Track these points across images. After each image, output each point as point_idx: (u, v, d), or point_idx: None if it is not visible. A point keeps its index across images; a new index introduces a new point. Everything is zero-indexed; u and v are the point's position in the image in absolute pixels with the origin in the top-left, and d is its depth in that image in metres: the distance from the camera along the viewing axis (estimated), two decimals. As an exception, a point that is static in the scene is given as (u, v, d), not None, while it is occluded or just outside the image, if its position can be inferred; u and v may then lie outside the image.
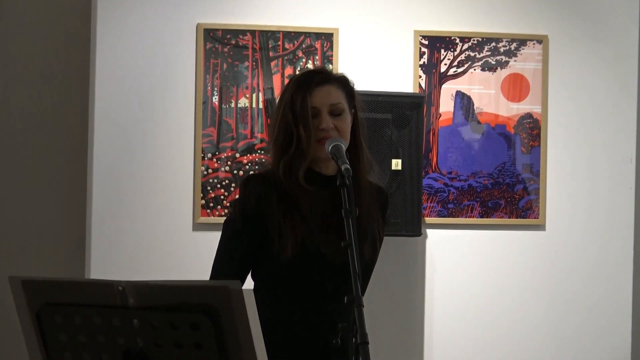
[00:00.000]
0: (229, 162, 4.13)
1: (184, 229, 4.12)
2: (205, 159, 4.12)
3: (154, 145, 4.12)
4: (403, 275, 4.27)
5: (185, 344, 1.63)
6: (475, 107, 4.30)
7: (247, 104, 4.15)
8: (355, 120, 2.45)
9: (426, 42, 4.28)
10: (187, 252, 4.10)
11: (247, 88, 4.15)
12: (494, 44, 4.32)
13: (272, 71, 4.17)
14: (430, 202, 4.26)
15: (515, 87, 4.33)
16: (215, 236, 2.47)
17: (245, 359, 1.61)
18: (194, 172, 4.12)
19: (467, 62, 4.30)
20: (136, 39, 4.12)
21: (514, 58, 4.34)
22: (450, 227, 4.29)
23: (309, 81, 2.39)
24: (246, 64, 4.16)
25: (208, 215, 4.12)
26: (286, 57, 4.18)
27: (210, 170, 4.12)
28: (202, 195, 4.11)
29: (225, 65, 4.14)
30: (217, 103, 4.13)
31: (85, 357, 1.70)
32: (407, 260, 4.28)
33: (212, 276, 2.40)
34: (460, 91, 4.30)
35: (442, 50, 4.29)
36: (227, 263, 2.40)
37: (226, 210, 4.08)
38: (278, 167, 2.38)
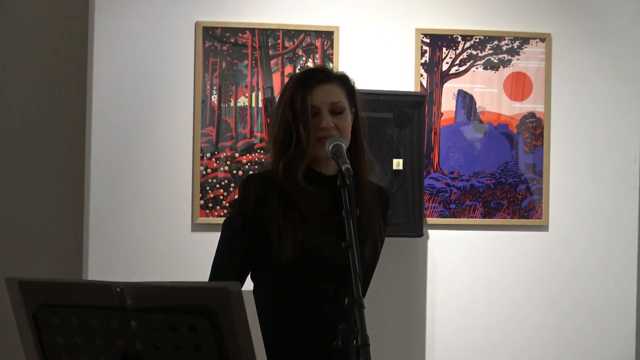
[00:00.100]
0: (228, 162, 4.13)
1: (183, 230, 4.12)
2: (204, 158, 4.12)
3: (153, 144, 4.12)
4: (404, 277, 4.27)
5: (183, 346, 1.63)
6: (477, 106, 4.30)
7: (247, 103, 4.15)
8: (355, 120, 2.44)
9: (428, 41, 4.28)
10: (186, 253, 4.10)
11: (246, 87, 4.15)
12: (496, 42, 4.32)
13: (272, 70, 4.16)
14: (432, 203, 4.26)
15: (518, 86, 4.33)
16: (215, 237, 2.47)
17: (244, 361, 1.61)
18: (193, 172, 4.12)
19: (469, 61, 4.30)
20: (134, 37, 4.12)
21: (516, 56, 4.33)
22: (452, 228, 4.29)
23: (309, 80, 2.39)
24: (245, 62, 4.15)
25: (207, 215, 4.11)
26: (286, 56, 4.18)
27: (209, 170, 4.12)
28: (200, 195, 4.11)
29: (224, 64, 4.14)
30: (216, 102, 4.13)
31: (83, 360, 1.70)
32: (408, 261, 4.27)
33: (211, 277, 2.40)
34: (462, 90, 4.29)
35: (444, 49, 4.28)
36: (226, 264, 2.40)
37: (225, 211, 4.08)
38: (278, 166, 2.38)
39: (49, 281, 1.71)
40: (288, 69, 4.17)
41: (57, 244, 4.33)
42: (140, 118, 4.12)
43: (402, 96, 4.08)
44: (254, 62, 4.16)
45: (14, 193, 4.33)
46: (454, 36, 4.30)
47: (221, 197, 4.12)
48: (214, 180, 4.12)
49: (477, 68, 4.31)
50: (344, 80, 2.44)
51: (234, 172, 4.13)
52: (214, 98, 4.13)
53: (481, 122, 4.30)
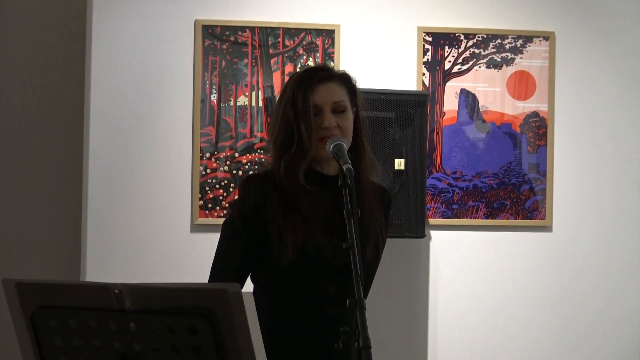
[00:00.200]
0: (227, 162, 4.13)
1: (182, 231, 4.12)
2: (204, 158, 4.12)
3: (151, 144, 4.12)
4: (406, 278, 4.27)
5: (183, 348, 1.63)
6: (480, 105, 4.30)
7: (247, 103, 4.15)
8: (356, 119, 2.44)
9: (430, 39, 4.28)
10: (185, 254, 4.10)
11: (246, 86, 4.15)
12: (499, 40, 4.32)
13: (272, 69, 4.17)
14: (434, 203, 4.26)
15: (521, 85, 4.33)
16: (214, 238, 2.47)
17: (244, 363, 1.61)
18: (192, 172, 4.12)
19: (471, 60, 4.30)
20: (133, 36, 4.12)
21: (519, 55, 4.33)
22: (454, 229, 4.29)
23: (310, 78, 2.39)
24: (245, 61, 4.15)
25: (206, 216, 4.11)
26: (286, 54, 4.18)
27: (208, 170, 4.12)
28: (200, 195, 4.11)
29: (224, 63, 4.14)
30: (215, 101, 4.13)
31: (81, 362, 1.70)
32: (410, 262, 4.27)
33: (211, 279, 2.40)
34: (464, 89, 4.30)
35: (447, 47, 4.28)
36: (226, 265, 2.40)
37: (225, 212, 4.08)
38: (278, 166, 2.38)
39: (46, 283, 1.71)
40: (288, 68, 4.17)
41: (55, 245, 4.33)
42: (139, 118, 4.12)
43: (404, 95, 4.08)
44: (254, 60, 4.16)
45: (12, 193, 4.33)
46: (457, 34, 4.30)
47: (221, 197, 4.12)
48: (214, 181, 4.12)
49: (479, 67, 4.31)
50: (345, 79, 2.44)
51: (234, 172, 4.13)
52: (214, 97, 4.13)
53: (484, 121, 4.30)
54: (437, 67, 4.28)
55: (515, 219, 4.32)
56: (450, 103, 4.28)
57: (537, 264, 4.36)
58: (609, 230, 4.41)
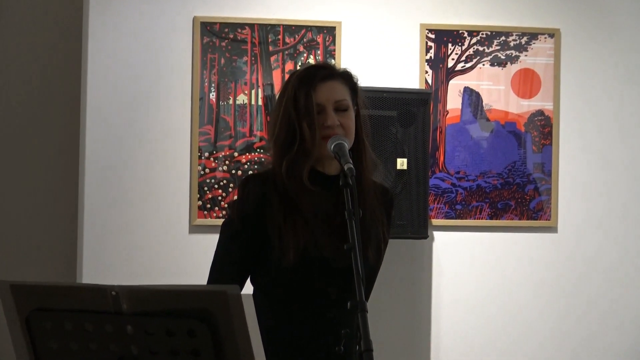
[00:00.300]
0: (226, 162, 4.13)
1: (180, 232, 4.12)
2: (202, 158, 4.12)
3: (149, 144, 4.12)
4: (409, 280, 4.27)
5: (181, 351, 1.63)
6: (484, 103, 4.30)
7: (246, 101, 4.15)
8: (357, 118, 2.44)
9: (433, 36, 4.28)
10: (183, 256, 4.10)
11: (245, 84, 4.15)
12: (503, 38, 4.32)
13: (272, 66, 4.16)
14: (437, 203, 4.25)
15: (526, 83, 4.33)
16: (213, 239, 2.47)
17: (244, 367, 1.61)
18: (190, 172, 4.12)
19: (475, 57, 4.30)
20: (130, 33, 4.12)
21: (524, 52, 4.33)
22: (458, 229, 4.29)
23: (312, 76, 2.38)
24: (245, 59, 4.15)
25: (205, 217, 4.11)
26: (287, 52, 4.18)
27: (207, 170, 4.12)
28: (198, 196, 4.11)
29: (223, 60, 4.14)
30: (214, 100, 4.13)
31: (77, 365, 1.70)
32: (412, 263, 4.27)
33: (210, 280, 2.40)
34: (468, 87, 4.29)
35: (450, 45, 4.28)
36: (225, 267, 2.40)
37: (224, 212, 4.08)
38: (279, 166, 2.37)
39: (42, 285, 1.71)
40: (289, 66, 4.17)
41: (51, 246, 4.33)
42: (136, 116, 4.12)
43: (407, 94, 4.08)
44: (253, 58, 4.16)
45: (6, 194, 4.33)
46: (460, 32, 4.29)
47: (220, 197, 4.12)
48: (213, 181, 4.12)
49: (483, 64, 4.31)
50: (347, 77, 2.44)
51: (233, 172, 4.13)
52: (212, 96, 4.13)
53: (488, 120, 4.30)
54: (440, 65, 4.27)
55: (519, 219, 4.31)
56: (454, 101, 4.28)
57: (542, 266, 4.35)
58: (616, 231, 4.40)
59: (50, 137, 4.35)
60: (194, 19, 4.14)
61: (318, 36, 4.20)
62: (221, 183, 4.12)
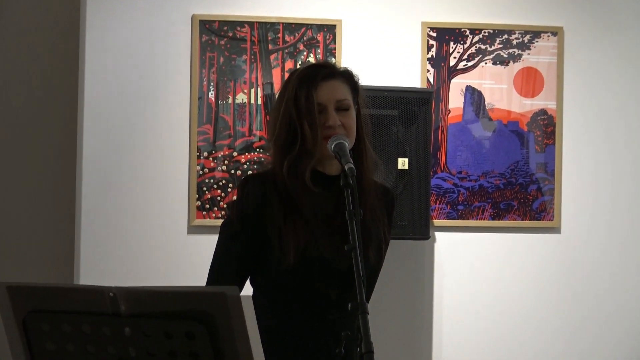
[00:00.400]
0: (226, 161, 4.13)
1: (179, 232, 4.12)
2: (201, 157, 4.12)
3: (147, 143, 4.12)
4: (410, 281, 4.27)
5: (180, 353, 1.63)
6: (486, 102, 4.30)
7: (245, 100, 4.15)
8: (358, 117, 2.44)
9: (434, 35, 4.28)
10: (182, 256, 4.10)
11: (245, 83, 4.15)
12: (506, 36, 4.32)
13: (272, 65, 4.16)
14: (439, 204, 4.26)
15: (529, 82, 4.33)
16: (212, 239, 2.47)
17: (243, 369, 1.61)
18: (189, 172, 4.12)
19: (477, 56, 4.30)
20: (127, 31, 4.12)
21: (527, 51, 4.33)
22: (459, 230, 4.29)
23: (313, 75, 2.38)
24: (244, 57, 4.15)
25: (204, 217, 4.11)
26: (286, 50, 4.18)
27: (206, 170, 4.12)
28: (197, 196, 4.11)
29: (222, 59, 4.14)
30: (213, 99, 4.13)
31: (74, 368, 1.70)
32: (414, 264, 4.27)
33: (209, 282, 2.40)
34: (470, 86, 4.29)
35: (452, 43, 4.28)
36: (224, 268, 2.40)
37: (223, 213, 4.08)
38: (280, 166, 2.37)
39: (39, 286, 1.71)
40: (289, 64, 4.17)
41: (48, 247, 4.33)
42: (134, 116, 4.12)
43: (408, 93, 4.08)
44: (253, 57, 4.16)
45: (4, 195, 4.33)
46: (462, 30, 4.29)
47: (219, 198, 4.12)
48: (212, 181, 4.12)
49: (486, 63, 4.31)
50: (348, 76, 2.44)
51: (232, 172, 4.13)
52: (211, 95, 4.13)
53: (490, 119, 4.30)
54: (442, 64, 4.27)
55: (522, 220, 4.31)
56: (456, 100, 4.28)
57: (545, 267, 4.35)
58: (620, 232, 4.40)
59: (48, 136, 4.35)
60: (193, 17, 4.14)
61: (318, 34, 4.20)
62: (220, 183, 4.13)
